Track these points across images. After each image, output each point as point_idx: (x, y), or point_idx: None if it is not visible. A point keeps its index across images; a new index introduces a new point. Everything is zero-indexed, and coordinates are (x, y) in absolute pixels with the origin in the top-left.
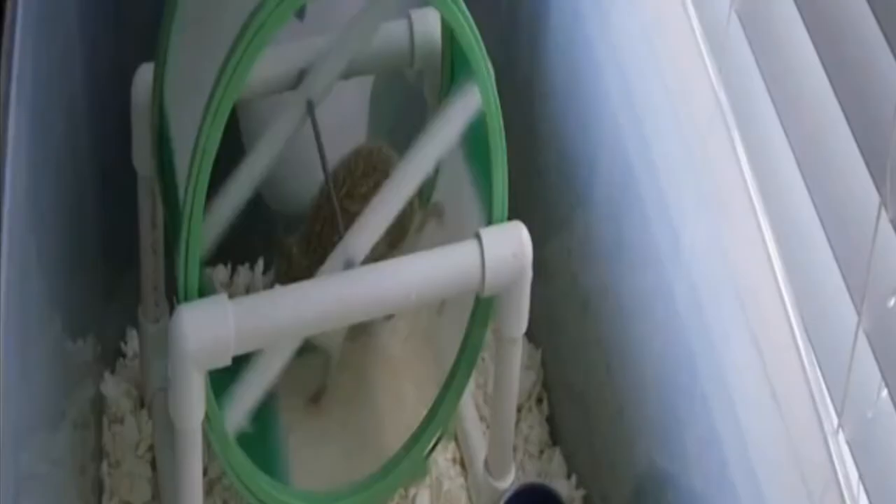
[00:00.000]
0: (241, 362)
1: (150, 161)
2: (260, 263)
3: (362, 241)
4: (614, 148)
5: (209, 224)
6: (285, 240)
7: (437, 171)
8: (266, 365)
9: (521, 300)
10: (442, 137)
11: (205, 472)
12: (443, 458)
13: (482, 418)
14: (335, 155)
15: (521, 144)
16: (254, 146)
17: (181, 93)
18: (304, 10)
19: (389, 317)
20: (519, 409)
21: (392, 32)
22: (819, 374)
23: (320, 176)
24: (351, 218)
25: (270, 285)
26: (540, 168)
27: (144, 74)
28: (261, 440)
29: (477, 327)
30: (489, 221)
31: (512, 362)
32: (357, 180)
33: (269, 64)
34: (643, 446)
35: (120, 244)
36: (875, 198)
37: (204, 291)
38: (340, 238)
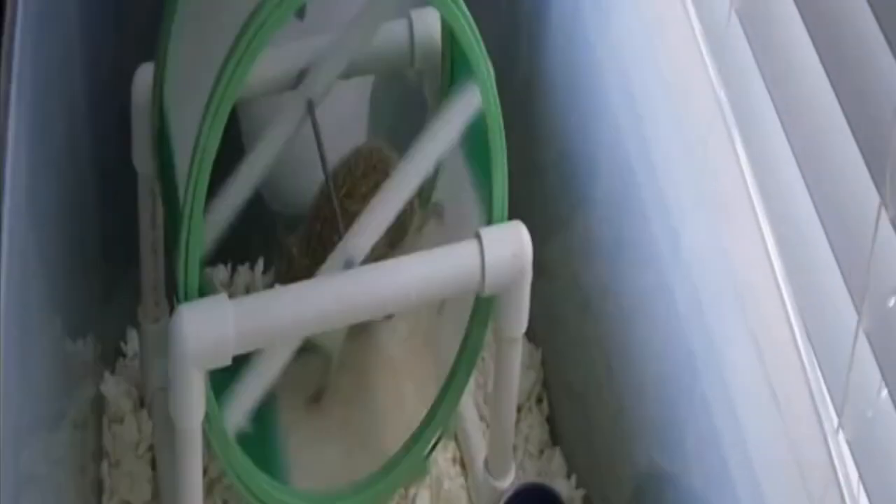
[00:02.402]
0: (242, 362)
1: (150, 160)
2: (260, 263)
3: (362, 242)
4: (614, 148)
5: (210, 224)
6: (285, 240)
7: (437, 170)
8: (266, 364)
9: (521, 300)
10: (442, 137)
11: (205, 472)
12: (443, 457)
13: (482, 418)
14: (335, 155)
15: (521, 144)
16: (254, 146)
17: (181, 92)
18: (305, 9)
19: (389, 316)
20: (519, 409)
21: (392, 32)
22: (819, 373)
23: (320, 175)
24: (351, 217)
25: (271, 285)
26: (540, 168)
27: (144, 73)
28: (260, 440)
29: (477, 327)
30: (489, 221)
31: (512, 362)
32: (357, 180)
33: (269, 64)
34: (643, 446)
35: (120, 244)
36: (875, 198)
37: (204, 291)
38: (340, 238)
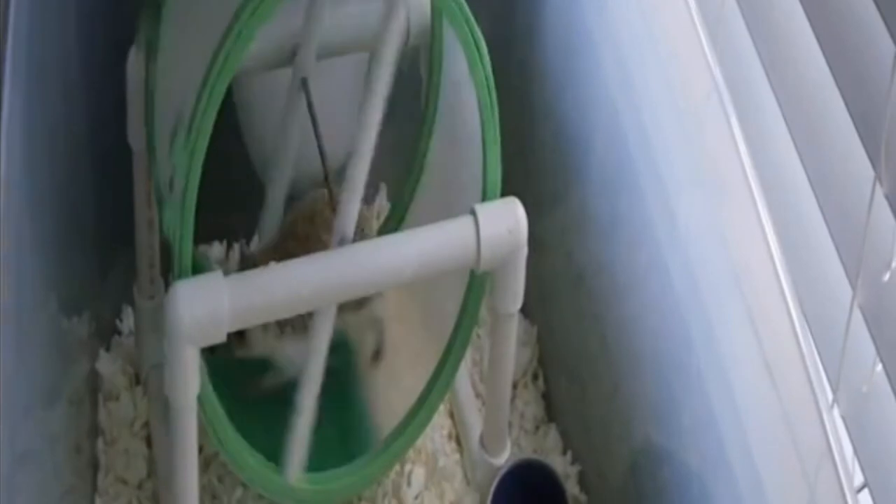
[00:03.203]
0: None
1: (145, 138)
2: (255, 240)
3: (350, 215)
4: (610, 126)
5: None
6: (252, 254)
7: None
8: (302, 407)
9: (516, 276)
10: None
11: (200, 449)
12: (438, 434)
13: (478, 395)
14: (330, 132)
15: (517, 122)
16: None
17: (173, 69)
18: None
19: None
20: (514, 386)
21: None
22: (814, 349)
23: (317, 157)
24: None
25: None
26: (536, 145)
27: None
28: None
29: (472, 303)
30: (484, 197)
31: (507, 338)
32: (302, 241)
33: (263, 40)
34: (639, 422)
35: (115, 221)
36: (870, 173)
37: (200, 268)
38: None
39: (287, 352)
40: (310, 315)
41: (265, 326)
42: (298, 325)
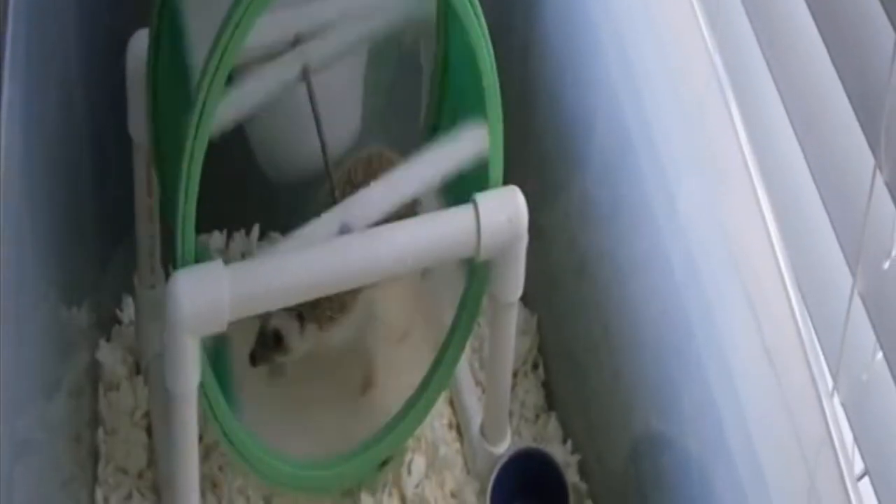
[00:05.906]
0: None
1: (145, 128)
2: (255, 230)
3: (361, 212)
4: (611, 113)
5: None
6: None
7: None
8: None
9: (516, 265)
10: (448, 160)
11: (200, 438)
12: (438, 423)
13: (478, 383)
14: (331, 123)
15: (517, 110)
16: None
17: (176, 58)
18: None
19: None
20: (515, 374)
21: None
22: (814, 336)
23: (317, 144)
24: None
25: None
26: (536, 133)
27: (139, 41)
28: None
29: (473, 292)
30: (485, 186)
31: (508, 327)
32: (356, 188)
33: (264, 28)
34: (639, 411)
35: (115, 211)
36: (870, 160)
37: (200, 258)
38: None
39: (334, 340)
40: (350, 295)
41: (302, 329)
42: (337, 309)
